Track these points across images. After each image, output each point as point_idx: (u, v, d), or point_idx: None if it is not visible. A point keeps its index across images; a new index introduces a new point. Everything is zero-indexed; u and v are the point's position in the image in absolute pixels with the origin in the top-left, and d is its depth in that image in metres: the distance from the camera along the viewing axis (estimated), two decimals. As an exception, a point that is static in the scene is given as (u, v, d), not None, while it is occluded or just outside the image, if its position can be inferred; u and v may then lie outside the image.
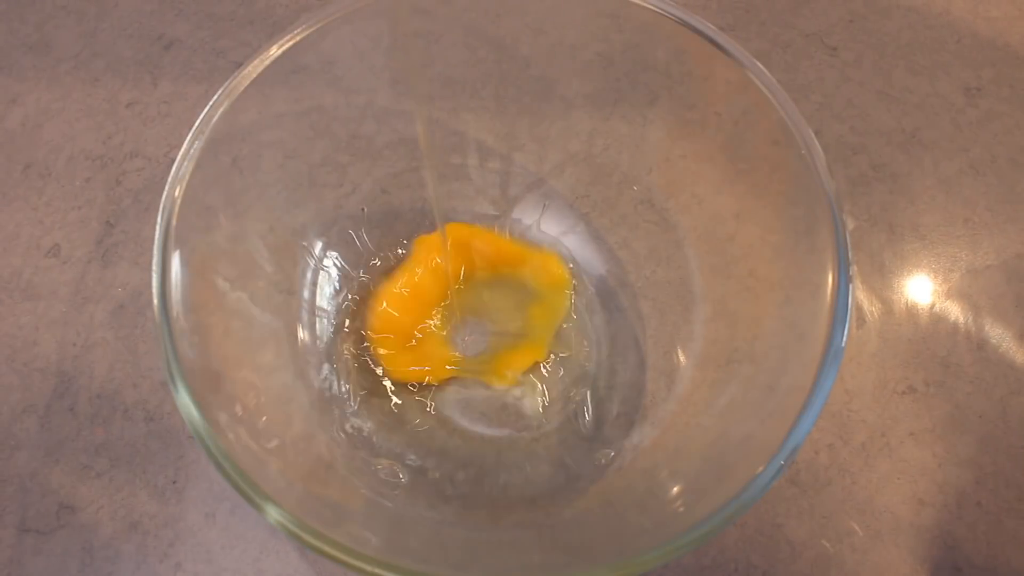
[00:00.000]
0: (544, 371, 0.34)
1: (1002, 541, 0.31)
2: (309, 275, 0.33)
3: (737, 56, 0.28)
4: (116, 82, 0.42)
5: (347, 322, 0.34)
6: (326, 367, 0.33)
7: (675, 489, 0.27)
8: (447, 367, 0.33)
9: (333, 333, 0.33)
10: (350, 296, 0.34)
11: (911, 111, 0.40)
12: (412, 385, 0.33)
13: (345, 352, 0.33)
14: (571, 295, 0.35)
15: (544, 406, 0.33)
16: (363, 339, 0.34)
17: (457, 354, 0.34)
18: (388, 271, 0.35)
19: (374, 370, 0.33)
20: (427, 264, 0.34)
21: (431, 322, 0.34)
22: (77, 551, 0.32)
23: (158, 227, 0.26)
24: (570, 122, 0.35)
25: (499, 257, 0.35)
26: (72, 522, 0.32)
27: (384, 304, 0.34)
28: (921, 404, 0.34)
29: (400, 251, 0.35)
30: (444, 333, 0.34)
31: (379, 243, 0.35)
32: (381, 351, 0.33)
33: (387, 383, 0.33)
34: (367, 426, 0.32)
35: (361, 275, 0.35)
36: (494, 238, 0.36)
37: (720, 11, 0.43)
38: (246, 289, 0.30)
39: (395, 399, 0.33)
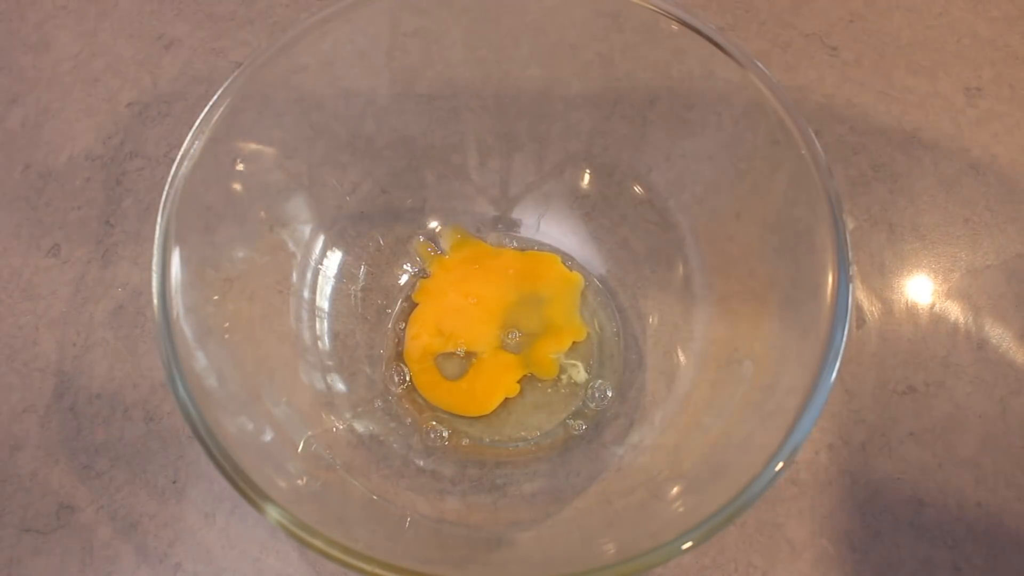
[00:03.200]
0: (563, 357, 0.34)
1: (1002, 541, 0.31)
2: (309, 275, 0.33)
3: (737, 56, 0.28)
4: (116, 82, 0.42)
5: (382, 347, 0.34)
6: (379, 402, 0.33)
7: (675, 489, 0.27)
8: (517, 383, 0.33)
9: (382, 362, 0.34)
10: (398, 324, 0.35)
11: (911, 111, 0.40)
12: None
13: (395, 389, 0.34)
14: (581, 285, 0.35)
15: (589, 372, 0.33)
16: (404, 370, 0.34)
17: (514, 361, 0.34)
18: (400, 287, 0.35)
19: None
20: (451, 293, 0.35)
21: (463, 350, 0.34)
22: (77, 551, 0.32)
23: (158, 227, 0.26)
24: (570, 122, 0.35)
25: (510, 269, 0.36)
26: (72, 522, 0.32)
27: (427, 356, 0.34)
28: (921, 404, 0.33)
29: (406, 265, 0.36)
30: (489, 354, 0.34)
31: (379, 243, 0.35)
32: (441, 402, 0.33)
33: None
34: (373, 428, 0.32)
35: (363, 275, 0.35)
36: (500, 252, 0.36)
37: (720, 11, 0.43)
38: (246, 289, 0.30)
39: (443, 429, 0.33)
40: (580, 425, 0.32)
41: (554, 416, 0.33)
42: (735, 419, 0.27)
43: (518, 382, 0.33)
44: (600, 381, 0.33)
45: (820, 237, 0.26)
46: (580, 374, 0.33)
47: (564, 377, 0.34)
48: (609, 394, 0.33)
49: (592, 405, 0.33)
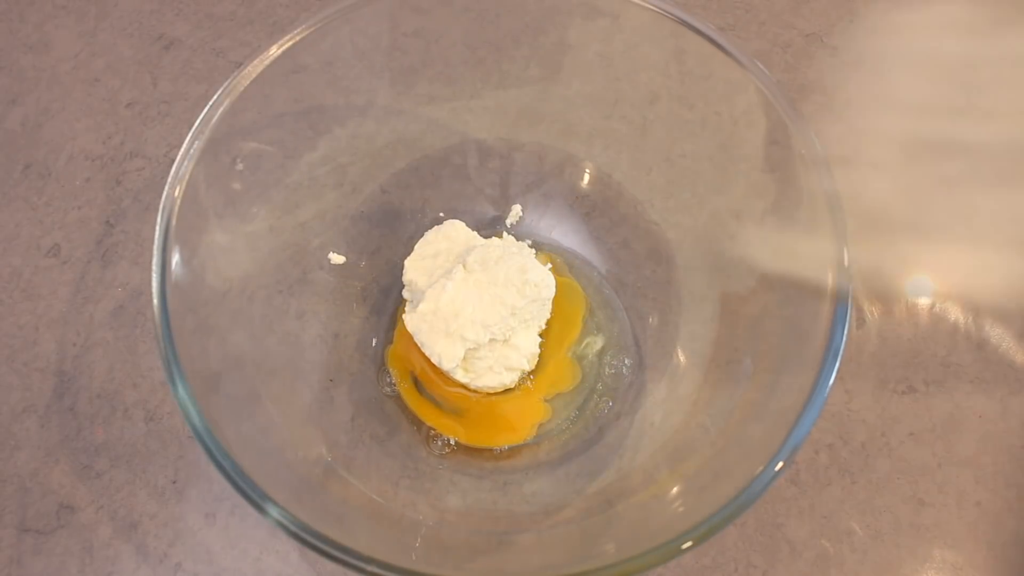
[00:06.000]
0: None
1: (1002, 541, 0.31)
2: (309, 275, 0.33)
3: (737, 56, 0.28)
4: (116, 82, 0.42)
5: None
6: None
7: (675, 489, 0.27)
8: (543, 400, 0.33)
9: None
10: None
11: (911, 111, 0.40)
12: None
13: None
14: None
15: (597, 353, 0.33)
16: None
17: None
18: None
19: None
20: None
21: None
22: (77, 551, 0.32)
23: (158, 227, 0.26)
24: (570, 122, 0.35)
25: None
26: (72, 522, 0.32)
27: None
28: (921, 404, 0.34)
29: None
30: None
31: (379, 243, 0.35)
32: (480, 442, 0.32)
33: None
34: (373, 428, 0.32)
35: (363, 275, 0.35)
36: None
37: (720, 11, 0.43)
38: (246, 289, 0.30)
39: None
40: (608, 403, 0.32)
41: (577, 394, 0.33)
42: (735, 419, 0.27)
43: (547, 400, 0.33)
44: (621, 354, 0.33)
45: (820, 237, 0.26)
46: (598, 344, 0.33)
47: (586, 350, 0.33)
48: (627, 362, 0.33)
49: (611, 371, 0.33)
